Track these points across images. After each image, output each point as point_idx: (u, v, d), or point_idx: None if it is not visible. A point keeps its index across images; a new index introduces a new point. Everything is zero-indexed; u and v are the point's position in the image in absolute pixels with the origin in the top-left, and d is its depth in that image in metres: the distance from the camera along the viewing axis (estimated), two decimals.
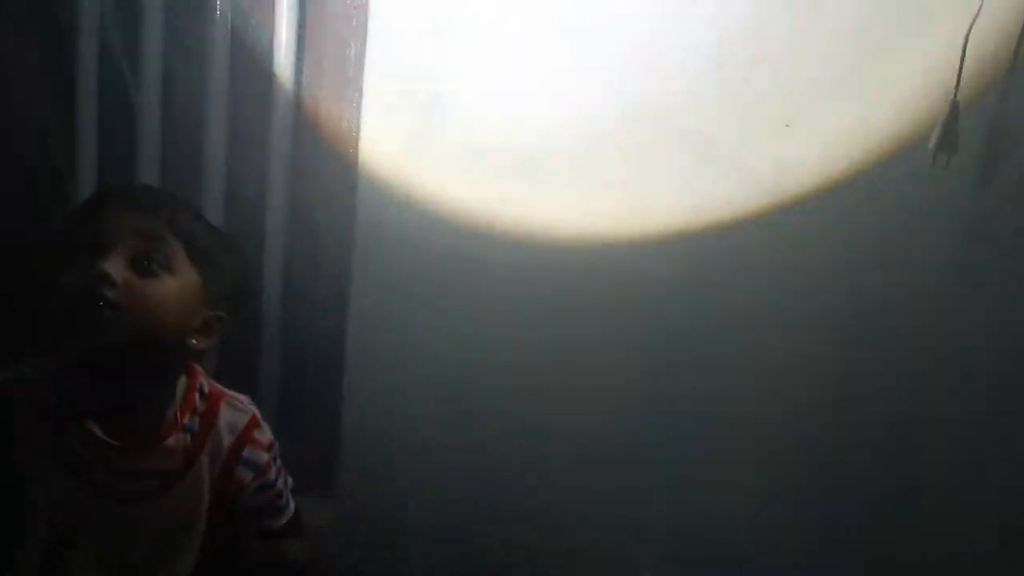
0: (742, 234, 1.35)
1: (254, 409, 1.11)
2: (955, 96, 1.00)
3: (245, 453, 1.09)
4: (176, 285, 0.98)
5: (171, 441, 1.04)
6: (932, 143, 1.00)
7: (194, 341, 1.02)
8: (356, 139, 1.42)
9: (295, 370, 1.52)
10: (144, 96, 1.41)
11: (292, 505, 1.18)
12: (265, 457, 1.11)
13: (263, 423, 1.12)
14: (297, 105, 1.44)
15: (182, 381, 1.06)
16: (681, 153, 1.36)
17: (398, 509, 1.53)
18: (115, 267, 0.94)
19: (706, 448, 1.46)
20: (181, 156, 1.44)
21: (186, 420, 1.05)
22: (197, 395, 1.07)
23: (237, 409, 1.10)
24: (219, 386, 1.10)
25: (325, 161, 1.47)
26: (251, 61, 1.43)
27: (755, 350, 1.40)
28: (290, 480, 1.18)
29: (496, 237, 1.46)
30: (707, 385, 1.43)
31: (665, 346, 1.44)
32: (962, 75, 0.99)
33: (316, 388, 1.51)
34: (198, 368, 1.09)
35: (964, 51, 1.00)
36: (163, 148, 1.43)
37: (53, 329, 0.98)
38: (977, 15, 0.98)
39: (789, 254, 1.35)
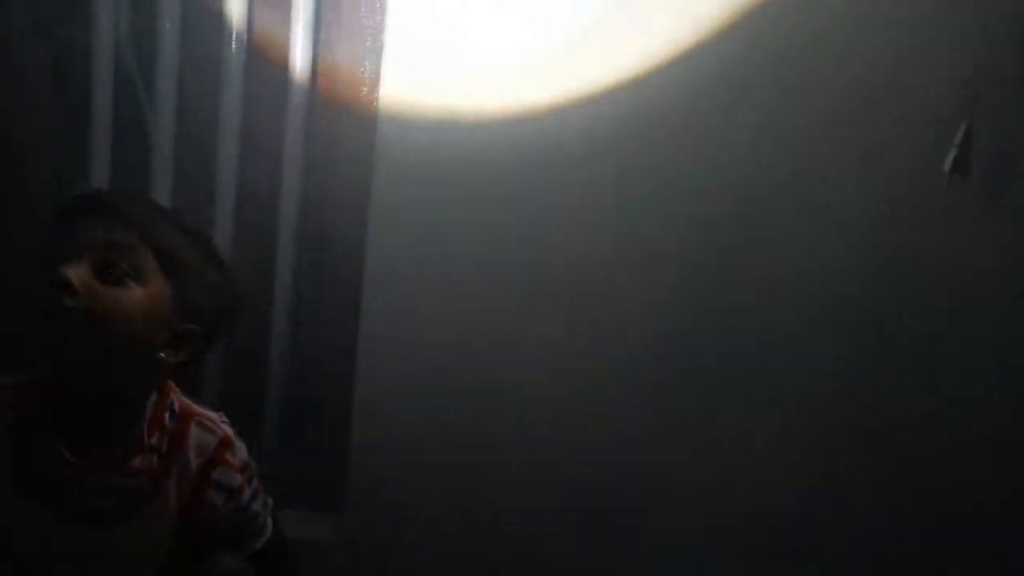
0: None
1: (227, 429, 1.08)
2: (969, 118, 0.90)
3: (215, 475, 1.06)
4: (141, 295, 0.95)
5: (137, 462, 1.01)
6: (947, 164, 0.91)
7: (162, 355, 0.99)
8: (371, 153, 1.40)
9: (304, 382, 1.49)
10: (158, 113, 1.41)
11: (270, 525, 1.15)
12: (238, 479, 1.08)
13: (237, 443, 1.08)
14: (311, 119, 1.42)
15: (152, 398, 1.03)
16: None
17: (406, 525, 1.51)
18: (77, 273, 0.92)
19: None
20: (195, 171, 1.43)
21: (153, 440, 1.02)
22: (167, 414, 1.04)
23: (208, 429, 1.06)
24: (191, 404, 1.07)
25: (339, 175, 1.44)
26: (266, 77, 1.42)
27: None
28: (269, 500, 1.15)
29: (510, 246, 1.44)
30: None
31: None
32: (976, 97, 0.90)
33: (325, 401, 1.48)
34: (172, 386, 1.06)
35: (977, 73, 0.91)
36: (176, 162, 1.43)
37: (28, 337, 0.97)
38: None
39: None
